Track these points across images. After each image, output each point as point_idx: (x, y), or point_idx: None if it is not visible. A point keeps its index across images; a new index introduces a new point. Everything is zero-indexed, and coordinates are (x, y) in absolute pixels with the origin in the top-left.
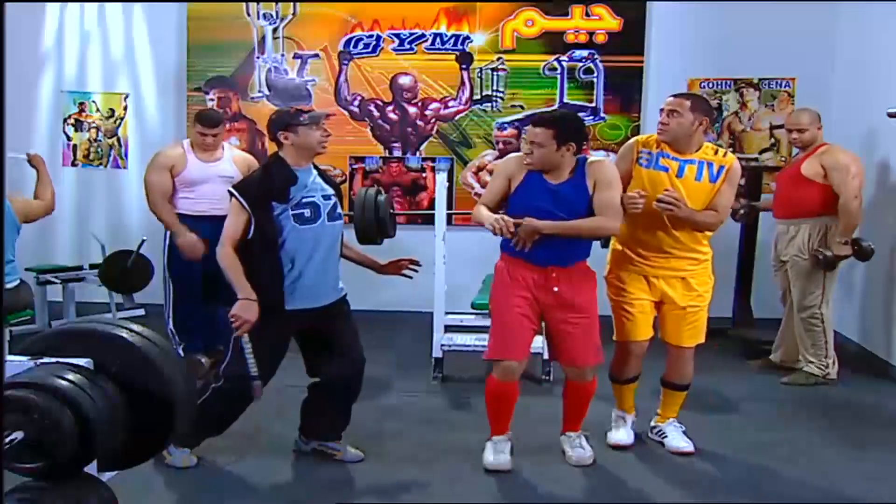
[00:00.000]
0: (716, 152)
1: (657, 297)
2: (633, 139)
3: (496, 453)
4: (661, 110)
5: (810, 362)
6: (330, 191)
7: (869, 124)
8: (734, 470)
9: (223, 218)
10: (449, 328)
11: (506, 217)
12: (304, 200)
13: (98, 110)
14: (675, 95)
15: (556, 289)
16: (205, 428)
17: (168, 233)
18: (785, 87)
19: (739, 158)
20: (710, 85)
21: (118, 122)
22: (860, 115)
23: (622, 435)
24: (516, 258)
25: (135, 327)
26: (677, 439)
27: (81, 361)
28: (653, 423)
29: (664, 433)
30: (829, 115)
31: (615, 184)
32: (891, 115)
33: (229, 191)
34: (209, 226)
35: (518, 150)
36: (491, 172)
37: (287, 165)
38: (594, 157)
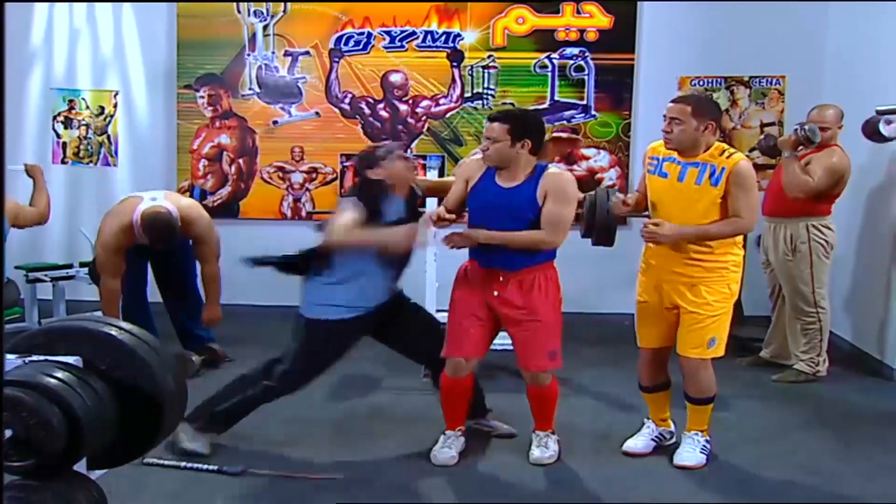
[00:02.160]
0: (721, 153)
1: (669, 304)
2: (648, 147)
3: (441, 448)
4: (664, 117)
5: (801, 360)
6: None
7: (858, 123)
8: (723, 467)
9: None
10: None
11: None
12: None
13: (88, 108)
14: (675, 101)
15: (496, 292)
16: (236, 417)
17: None
18: (775, 84)
19: None
20: (701, 83)
21: (108, 119)
22: (851, 113)
23: (635, 443)
24: (472, 259)
25: (124, 325)
26: (685, 452)
27: (70, 359)
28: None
29: (679, 442)
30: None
31: (564, 199)
32: (879, 114)
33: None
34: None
35: None
36: None
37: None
38: (554, 168)
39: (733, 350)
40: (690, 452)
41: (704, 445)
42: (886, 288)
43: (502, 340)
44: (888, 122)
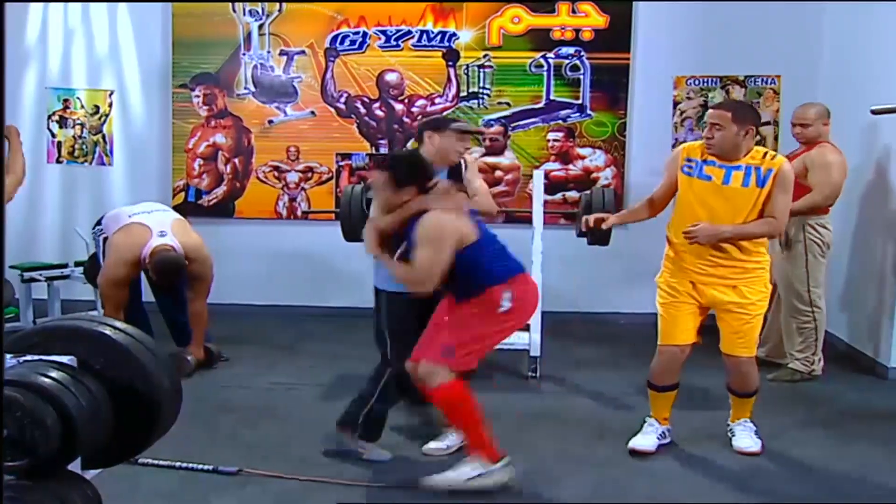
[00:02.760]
0: (764, 156)
1: (706, 302)
2: (680, 147)
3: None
4: (706, 123)
5: (796, 359)
6: None
7: (855, 122)
8: (719, 466)
9: None
10: None
11: None
12: None
13: (83, 107)
14: (716, 107)
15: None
16: (384, 414)
17: (101, 234)
18: (770, 84)
19: None
20: (696, 82)
21: (103, 118)
22: (846, 113)
23: (644, 441)
24: None
25: (119, 324)
26: (743, 439)
27: (65, 359)
28: (727, 422)
29: (733, 432)
30: None
31: (426, 243)
32: (874, 113)
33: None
34: None
35: (505, 147)
36: (479, 170)
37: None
38: (428, 216)
39: None
40: (749, 439)
41: (756, 430)
42: (880, 287)
43: None
44: None
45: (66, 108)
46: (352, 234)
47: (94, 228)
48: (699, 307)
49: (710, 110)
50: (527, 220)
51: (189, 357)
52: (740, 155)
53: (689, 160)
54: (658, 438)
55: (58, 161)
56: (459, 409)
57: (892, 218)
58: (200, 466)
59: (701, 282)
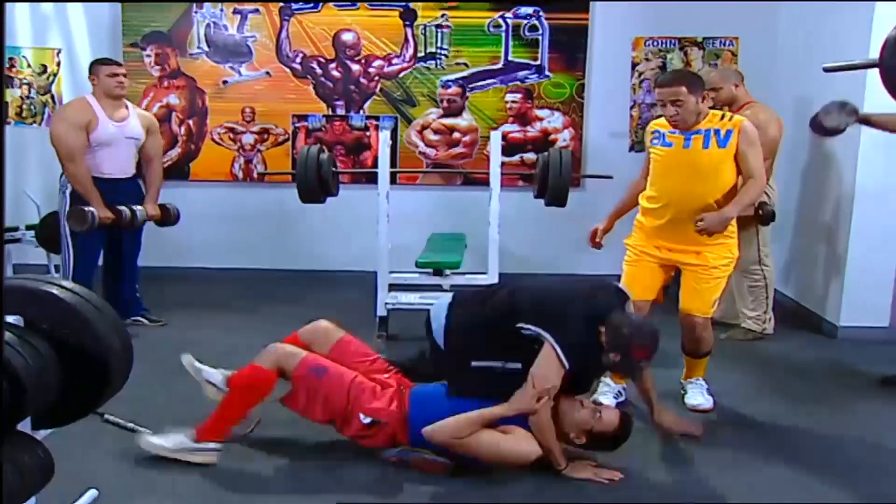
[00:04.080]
0: (721, 118)
1: (670, 260)
2: (650, 124)
3: None
4: (660, 102)
5: (748, 318)
6: None
7: (810, 82)
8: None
9: (128, 180)
10: (393, 287)
11: None
12: None
13: (29, 66)
14: (667, 84)
15: None
16: None
17: (69, 187)
18: (728, 46)
19: None
20: (655, 43)
21: (51, 78)
22: (802, 74)
23: (601, 400)
24: None
25: (66, 284)
26: (695, 397)
27: (11, 319)
28: (680, 380)
29: (685, 390)
30: (773, 74)
31: None
32: (826, 70)
33: (555, 350)
34: (114, 187)
35: (463, 108)
36: (435, 131)
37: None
38: None
39: None
40: (701, 396)
41: (708, 388)
42: (829, 248)
43: None
44: (826, 113)
45: (11, 66)
46: (308, 195)
47: (60, 179)
48: (662, 267)
49: (662, 89)
50: (484, 181)
51: (137, 209)
52: (699, 121)
53: (655, 132)
54: (614, 398)
55: (5, 122)
56: (246, 394)
57: (837, 181)
58: (141, 429)
59: (667, 246)
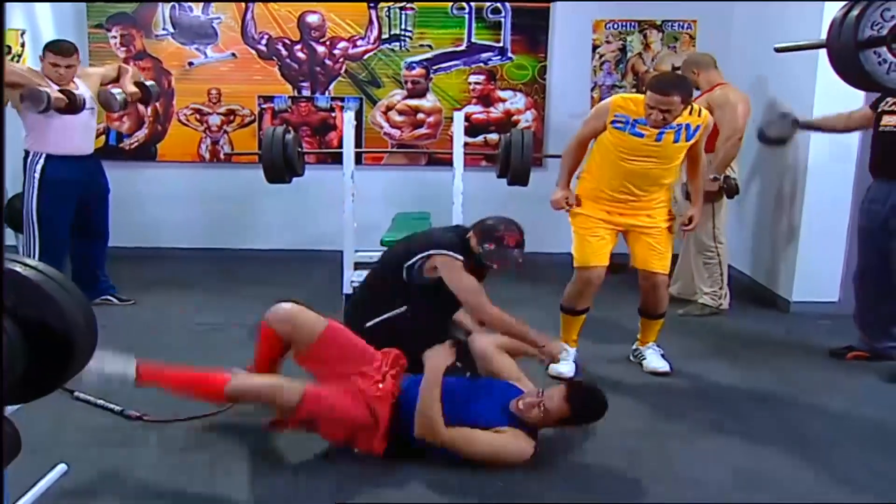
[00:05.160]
0: (690, 112)
1: (619, 225)
2: (611, 98)
3: None
4: (651, 107)
5: (705, 294)
6: None
7: (764, 64)
8: (630, 394)
9: (89, 157)
10: (359, 265)
11: None
12: None
13: None
14: (661, 92)
15: None
16: None
17: (37, 167)
18: (687, 29)
19: None
20: (615, 26)
21: (16, 59)
22: (757, 57)
23: (564, 367)
24: None
25: (29, 261)
26: (654, 361)
27: None
28: (634, 347)
29: (643, 355)
30: (729, 56)
31: None
32: (777, 51)
33: (446, 254)
34: (76, 164)
35: (427, 89)
36: (400, 112)
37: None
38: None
39: None
40: (659, 360)
41: (663, 353)
42: (783, 226)
43: None
44: (769, 124)
45: None
46: (274, 175)
47: (26, 160)
48: (612, 232)
49: (657, 96)
50: (448, 161)
51: (116, 92)
52: None
53: (619, 116)
54: (574, 362)
55: None
56: (197, 389)
57: (789, 161)
58: (111, 406)
59: (619, 211)
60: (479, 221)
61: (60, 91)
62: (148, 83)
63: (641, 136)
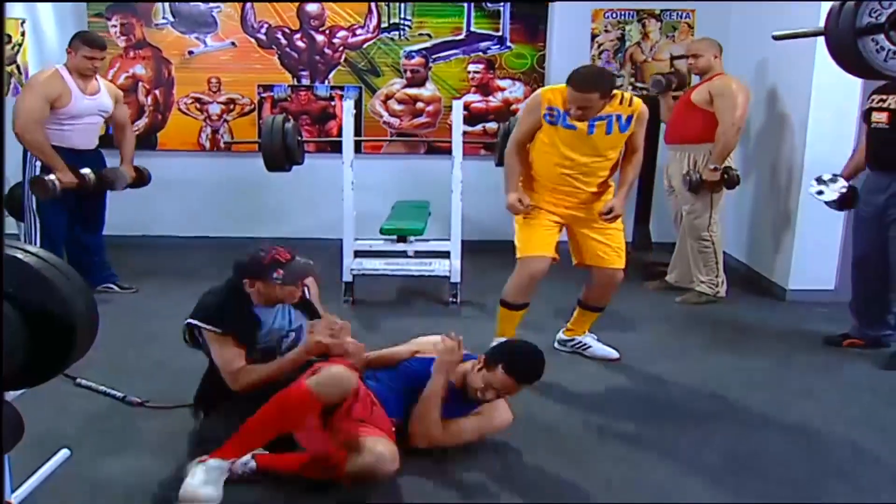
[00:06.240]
0: (621, 101)
1: (563, 218)
2: (539, 92)
3: None
4: (570, 101)
5: (702, 282)
6: (294, 324)
7: (762, 54)
8: (630, 381)
9: (92, 151)
10: (358, 253)
11: None
12: (263, 346)
13: None
14: (579, 89)
15: None
16: None
17: (33, 162)
18: (685, 18)
19: (639, 89)
20: (614, 15)
21: (16, 48)
22: (755, 46)
23: (603, 352)
24: None
25: (31, 248)
26: (602, 348)
27: None
28: (564, 337)
29: (586, 345)
30: (727, 45)
31: None
32: (775, 39)
33: (196, 325)
34: (79, 158)
35: (426, 78)
36: (399, 101)
37: (250, 306)
38: None
39: (641, 275)
40: (606, 347)
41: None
42: (779, 214)
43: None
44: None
45: None
46: (274, 164)
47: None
48: (556, 224)
49: (574, 93)
50: (447, 150)
51: (123, 171)
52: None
53: (550, 109)
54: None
55: None
56: (287, 413)
57: (786, 150)
58: (113, 392)
59: (564, 203)
60: (235, 265)
61: (72, 171)
62: (142, 168)
63: (573, 128)
